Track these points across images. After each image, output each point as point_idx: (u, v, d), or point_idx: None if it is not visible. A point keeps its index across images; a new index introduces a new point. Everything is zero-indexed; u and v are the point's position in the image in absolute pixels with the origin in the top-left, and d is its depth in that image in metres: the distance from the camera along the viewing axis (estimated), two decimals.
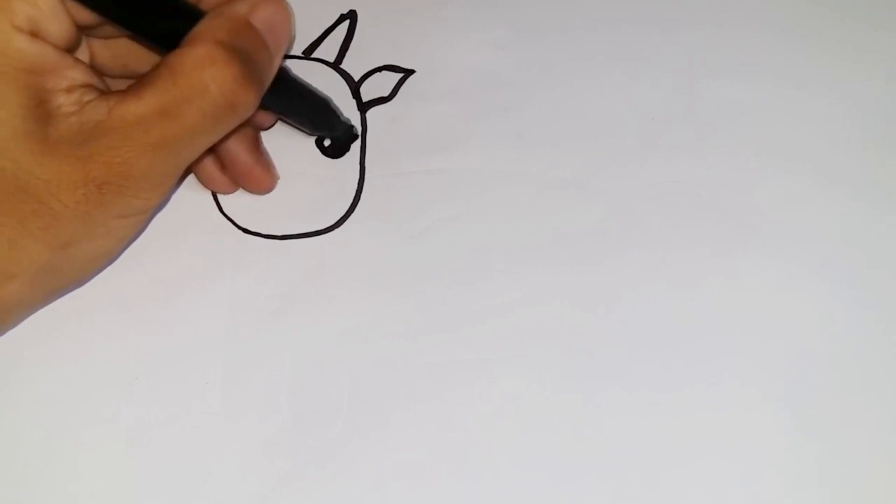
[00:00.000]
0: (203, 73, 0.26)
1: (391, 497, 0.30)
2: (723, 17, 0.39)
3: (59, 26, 0.27)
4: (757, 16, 0.39)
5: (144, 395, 0.31)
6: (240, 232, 0.34)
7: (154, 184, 0.28)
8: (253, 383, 0.32)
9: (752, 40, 0.38)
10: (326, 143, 0.36)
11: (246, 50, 0.27)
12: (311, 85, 0.34)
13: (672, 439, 0.31)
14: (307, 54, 0.38)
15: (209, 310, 0.33)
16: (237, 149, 0.33)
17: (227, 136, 0.30)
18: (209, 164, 0.34)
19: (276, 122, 0.36)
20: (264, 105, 0.31)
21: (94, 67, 0.31)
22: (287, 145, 0.36)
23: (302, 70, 0.37)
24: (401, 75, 0.37)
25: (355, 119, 0.36)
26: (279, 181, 0.35)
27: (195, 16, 0.28)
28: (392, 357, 0.32)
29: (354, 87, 0.37)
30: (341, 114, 0.36)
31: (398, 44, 0.38)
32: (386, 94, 0.37)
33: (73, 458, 0.30)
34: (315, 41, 0.38)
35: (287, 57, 0.38)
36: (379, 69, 0.37)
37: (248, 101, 0.28)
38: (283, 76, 0.31)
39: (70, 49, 0.28)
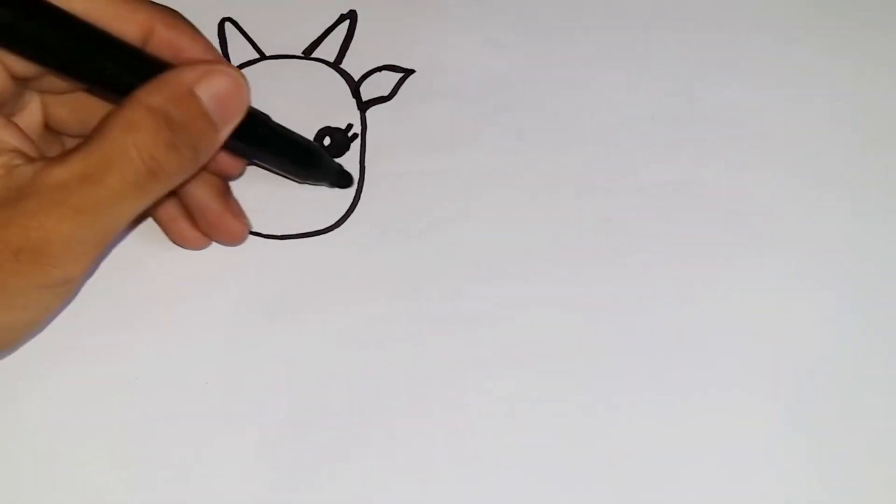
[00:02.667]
0: (126, 139, 0.26)
1: (391, 497, 0.30)
2: (723, 18, 0.39)
3: None
4: (757, 17, 0.39)
5: (144, 395, 0.31)
6: None
7: (75, 253, 0.27)
8: (253, 383, 0.31)
9: (752, 41, 0.38)
10: (326, 142, 0.36)
11: (181, 120, 0.26)
12: (296, 134, 0.33)
13: (673, 441, 0.31)
14: (307, 54, 0.38)
15: (209, 310, 0.33)
16: (205, 197, 0.32)
17: (188, 184, 0.29)
18: (179, 221, 0.33)
19: (245, 171, 0.34)
20: (239, 154, 0.31)
21: (50, 127, 0.30)
22: None
23: (302, 70, 0.37)
24: (401, 75, 0.37)
25: (355, 119, 0.36)
26: (278, 180, 0.35)
27: (149, 64, 0.27)
28: (392, 357, 0.32)
29: (354, 86, 0.37)
30: (332, 161, 0.35)
31: (398, 44, 0.38)
32: (386, 93, 0.37)
33: (73, 458, 0.30)
34: (315, 41, 0.38)
35: (287, 57, 0.38)
36: (379, 69, 0.37)
37: (171, 170, 0.27)
38: (260, 127, 0.31)
39: (6, 104, 0.28)
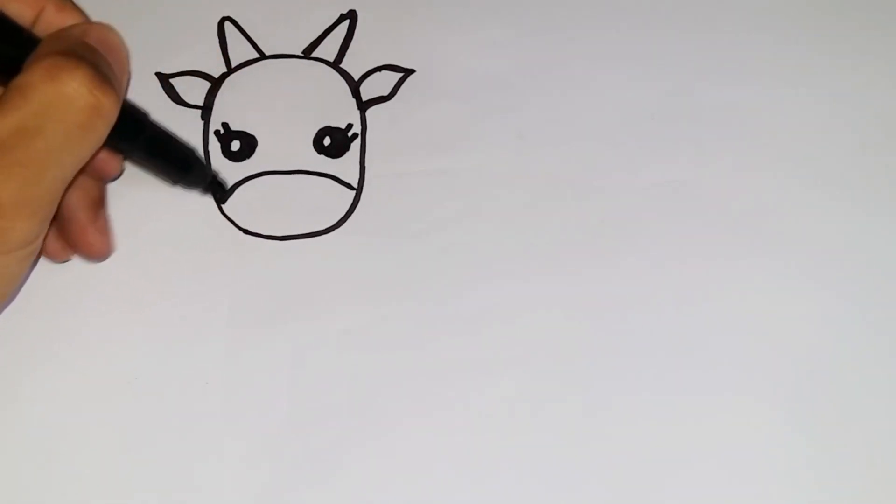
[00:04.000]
0: (55, 82, 0.25)
1: (391, 497, 0.30)
2: (722, 19, 0.39)
3: None
4: (757, 17, 0.39)
5: (144, 395, 0.31)
6: (240, 232, 0.34)
7: (30, 211, 0.26)
8: (253, 383, 0.31)
9: (751, 42, 0.38)
10: (326, 142, 0.36)
11: (91, 59, 0.26)
12: (174, 135, 0.32)
13: (673, 441, 0.31)
14: (307, 54, 0.38)
15: (209, 310, 0.33)
16: (75, 204, 0.31)
17: (70, 184, 0.28)
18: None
19: (122, 173, 0.34)
20: (115, 148, 0.30)
21: None
22: (286, 145, 0.36)
23: (302, 70, 0.37)
24: (401, 75, 0.37)
25: (355, 119, 0.36)
26: (277, 181, 0.35)
27: (32, 42, 0.27)
28: (392, 357, 0.32)
29: (354, 86, 0.37)
30: (206, 167, 0.34)
31: (398, 44, 0.38)
32: (386, 93, 0.37)
33: (73, 457, 0.30)
34: (315, 41, 0.38)
35: (287, 57, 0.38)
36: (379, 69, 0.37)
37: (110, 102, 0.26)
38: (138, 119, 0.30)
39: None
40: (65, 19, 0.29)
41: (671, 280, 0.33)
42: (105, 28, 0.28)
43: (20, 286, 0.31)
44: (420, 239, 0.34)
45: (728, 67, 0.38)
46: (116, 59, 0.28)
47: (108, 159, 0.32)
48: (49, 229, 0.30)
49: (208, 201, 0.35)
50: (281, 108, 0.36)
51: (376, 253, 0.34)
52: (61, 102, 0.25)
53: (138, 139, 0.31)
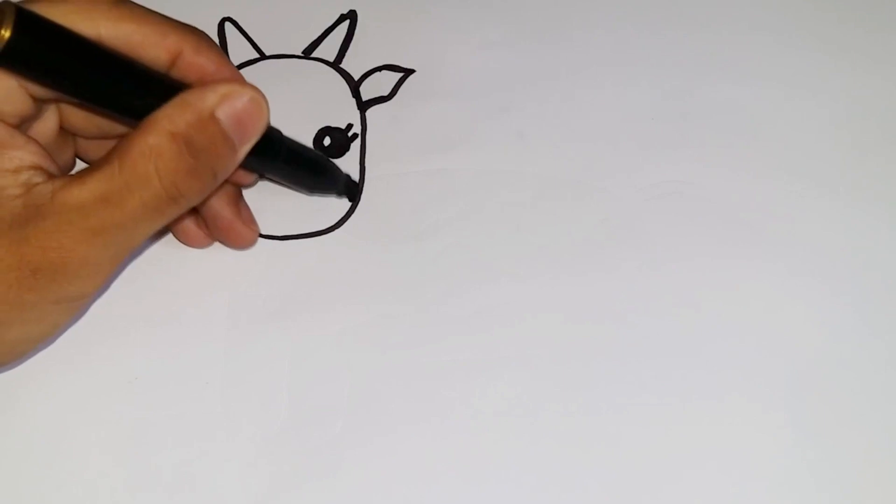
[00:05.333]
0: (148, 164, 0.26)
1: (391, 497, 0.30)
2: (722, 19, 0.39)
3: (13, 105, 0.27)
4: (756, 18, 0.39)
5: (144, 395, 0.31)
6: None
7: (91, 271, 0.27)
8: (253, 383, 0.32)
9: (751, 42, 0.38)
10: (326, 142, 0.36)
11: (202, 144, 0.27)
12: (306, 147, 0.33)
13: (674, 442, 0.31)
14: (307, 54, 0.38)
15: (209, 310, 0.33)
16: (217, 205, 0.32)
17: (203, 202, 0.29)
18: (184, 219, 0.33)
19: (258, 181, 0.34)
20: (251, 169, 0.31)
21: (65, 129, 0.30)
22: None
23: (302, 70, 0.37)
24: (401, 75, 0.37)
25: (355, 119, 0.36)
26: (278, 181, 0.35)
27: (167, 88, 0.27)
28: (392, 357, 0.32)
29: (354, 86, 0.37)
30: (340, 172, 0.34)
31: (398, 44, 0.38)
32: (386, 93, 0.37)
33: (74, 457, 0.30)
34: (315, 41, 0.38)
35: (287, 57, 0.38)
36: (379, 69, 0.37)
37: (191, 195, 0.27)
38: (274, 143, 0.31)
39: (25, 124, 0.28)
40: (203, 61, 0.29)
41: (671, 280, 0.33)
42: (246, 98, 0.28)
43: (61, 334, 0.32)
44: (420, 239, 0.34)
45: (728, 67, 0.38)
46: (244, 133, 0.28)
47: (243, 174, 0.32)
48: (189, 223, 0.33)
49: None
50: (281, 108, 0.36)
51: (376, 253, 0.34)
52: (147, 186, 0.26)
53: (275, 161, 0.31)
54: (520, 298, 0.33)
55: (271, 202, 0.35)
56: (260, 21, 0.38)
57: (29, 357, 0.31)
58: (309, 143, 0.36)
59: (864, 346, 0.32)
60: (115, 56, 0.26)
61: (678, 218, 0.35)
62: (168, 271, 0.33)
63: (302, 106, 0.36)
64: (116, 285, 0.33)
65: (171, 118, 0.26)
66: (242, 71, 0.37)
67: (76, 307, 0.29)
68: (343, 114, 0.36)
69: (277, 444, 0.31)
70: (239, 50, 0.38)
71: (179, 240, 0.33)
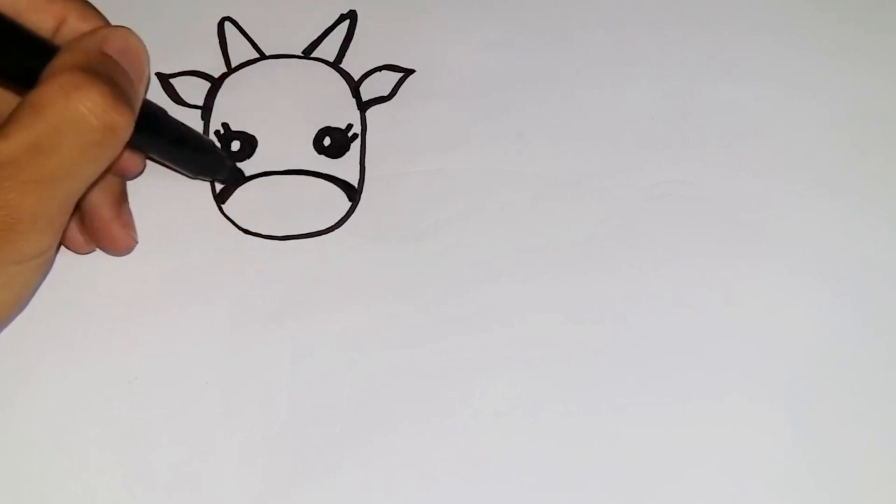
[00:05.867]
0: (70, 101, 0.25)
1: (391, 497, 0.30)
2: (722, 19, 0.39)
3: None
4: (756, 18, 0.39)
5: (144, 395, 0.31)
6: (240, 232, 0.34)
7: (44, 223, 0.27)
8: (253, 383, 0.31)
9: (751, 42, 0.38)
10: (326, 142, 0.36)
11: (107, 74, 0.26)
12: (191, 128, 0.33)
13: (674, 443, 0.31)
14: (307, 54, 0.38)
15: (209, 310, 0.33)
16: (99, 200, 0.31)
17: (94, 183, 0.29)
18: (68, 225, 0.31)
19: (144, 170, 0.34)
20: (136, 146, 0.30)
21: None
22: (286, 145, 0.36)
23: (302, 70, 0.37)
24: (401, 75, 0.37)
25: (355, 119, 0.36)
26: (277, 181, 0.35)
27: (49, 52, 0.27)
28: (392, 357, 0.32)
29: (354, 86, 0.37)
30: (225, 157, 0.35)
31: (398, 44, 0.38)
32: (386, 93, 0.37)
33: (73, 457, 0.30)
34: (315, 41, 0.38)
35: (287, 57, 0.38)
36: (379, 69, 0.37)
37: (125, 121, 0.26)
38: (159, 116, 0.31)
39: None
40: (87, 28, 0.29)
41: (671, 280, 0.33)
42: (125, 34, 0.28)
43: (33, 293, 0.32)
44: (420, 239, 0.34)
45: (728, 67, 0.38)
46: (136, 66, 0.28)
47: (130, 158, 0.32)
48: (71, 224, 0.31)
49: (208, 201, 0.35)
50: (281, 108, 0.36)
51: (376, 253, 0.34)
52: (75, 121, 0.25)
53: (160, 137, 0.31)
54: (520, 298, 0.33)
55: (271, 202, 0.35)
56: (260, 21, 0.38)
57: (4, 325, 0.31)
58: (309, 144, 0.36)
59: (864, 346, 0.32)
60: (3, 18, 0.26)
61: (678, 218, 0.35)
62: (168, 271, 0.33)
63: (302, 106, 0.36)
64: (117, 285, 0.33)
65: (68, 60, 0.26)
66: (242, 71, 0.37)
67: (40, 264, 0.28)
68: (343, 114, 0.36)
69: (277, 444, 0.31)
70: (239, 50, 0.38)
71: (63, 244, 0.33)
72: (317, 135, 0.36)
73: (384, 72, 0.37)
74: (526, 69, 0.38)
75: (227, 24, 0.38)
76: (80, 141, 0.26)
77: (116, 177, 0.32)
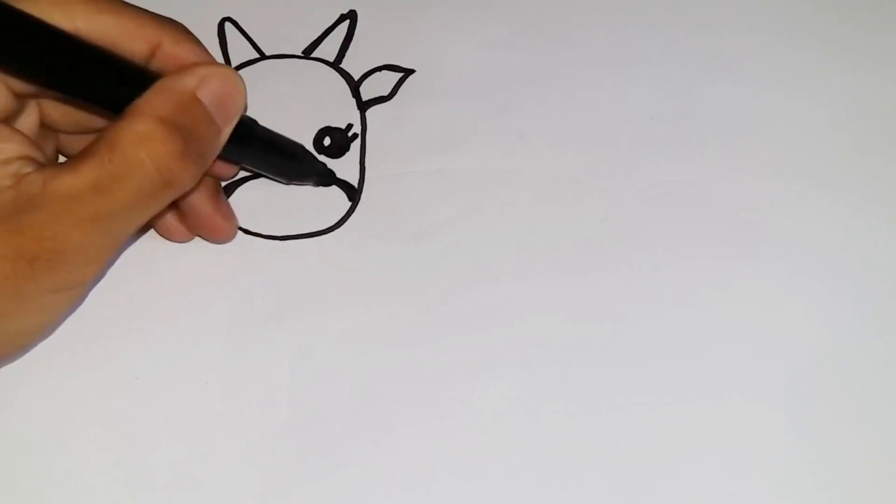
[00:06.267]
0: (139, 151, 0.26)
1: (391, 497, 0.30)
2: (722, 19, 0.39)
3: None
4: (756, 18, 0.39)
5: (144, 395, 0.31)
6: (240, 232, 0.34)
7: (87, 259, 0.27)
8: (253, 383, 0.31)
9: (751, 42, 0.38)
10: (326, 142, 0.36)
11: (189, 126, 0.27)
12: (281, 135, 0.33)
13: (674, 443, 0.31)
14: (307, 54, 0.38)
15: (209, 310, 0.33)
16: (196, 198, 0.32)
17: (186, 194, 0.29)
18: (165, 214, 0.32)
19: (238, 171, 0.34)
20: (229, 159, 0.31)
21: (45, 125, 0.30)
22: None
23: (302, 70, 0.37)
24: (401, 75, 0.37)
25: (355, 119, 0.36)
26: (280, 182, 0.35)
27: (145, 79, 0.27)
28: (392, 357, 0.32)
29: (354, 86, 0.37)
30: (316, 160, 0.35)
31: (398, 44, 0.38)
32: (386, 93, 0.37)
33: (73, 457, 0.30)
34: (315, 41, 0.38)
35: (287, 57, 0.38)
36: (379, 69, 0.37)
37: (185, 178, 0.27)
38: (249, 131, 0.31)
39: (9, 118, 0.28)
40: (182, 52, 0.29)
41: (671, 280, 0.33)
42: (224, 77, 0.28)
43: (63, 321, 0.32)
44: (420, 239, 0.34)
45: (728, 67, 0.38)
46: (227, 112, 0.28)
47: (223, 165, 0.32)
48: (171, 218, 0.32)
49: None
50: (281, 108, 0.36)
51: (376, 253, 0.34)
52: (140, 172, 0.26)
53: (251, 148, 0.32)
54: (520, 298, 0.33)
55: (271, 202, 0.35)
56: (260, 21, 0.38)
57: (30, 349, 0.31)
58: (309, 144, 0.36)
59: (864, 346, 0.32)
60: (92, 48, 0.26)
61: (678, 218, 0.35)
62: (168, 271, 0.33)
63: (302, 106, 0.36)
64: (117, 285, 0.33)
65: (154, 104, 0.26)
66: (242, 71, 0.37)
67: (74, 295, 0.29)
68: (343, 114, 0.36)
69: (277, 444, 0.31)
70: (239, 50, 0.38)
71: (161, 234, 0.33)
72: (317, 135, 0.36)
73: (384, 72, 0.37)
74: (526, 69, 0.38)
75: (227, 24, 0.38)
76: (138, 188, 0.26)
77: (211, 177, 0.33)
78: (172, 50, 0.29)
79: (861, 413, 0.31)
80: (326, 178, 0.35)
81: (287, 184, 0.35)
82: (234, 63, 0.37)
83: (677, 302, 0.33)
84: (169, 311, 0.33)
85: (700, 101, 0.37)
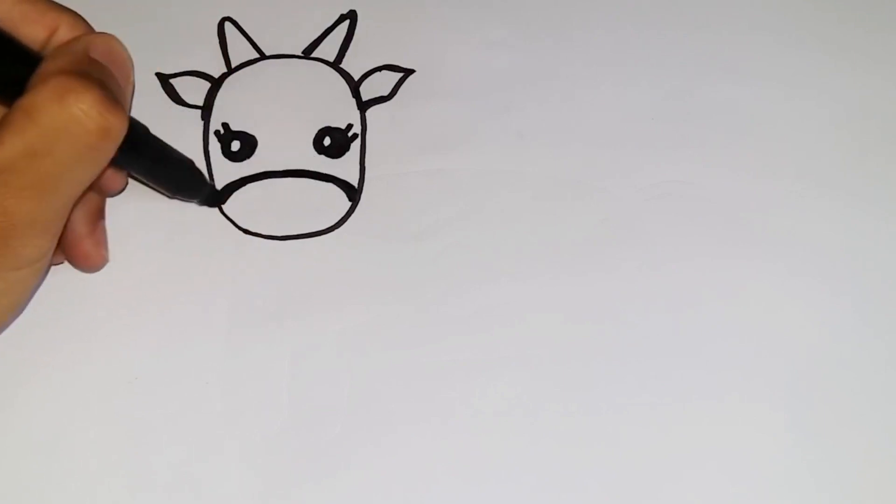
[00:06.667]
0: (63, 104, 0.25)
1: (391, 497, 0.30)
2: (722, 19, 0.39)
3: None
4: (756, 18, 0.39)
5: (144, 395, 0.31)
6: (240, 232, 0.34)
7: (41, 228, 0.27)
8: (253, 383, 0.32)
9: (751, 42, 0.38)
10: (326, 142, 0.36)
11: (98, 77, 0.26)
12: (172, 148, 0.32)
13: (674, 443, 0.31)
14: (307, 54, 0.38)
15: (209, 310, 0.33)
16: (74, 216, 0.31)
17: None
18: None
19: (125, 188, 0.34)
20: (118, 164, 0.30)
21: None
22: (286, 145, 0.36)
23: (302, 70, 0.37)
24: (401, 75, 0.37)
25: (355, 119, 0.36)
26: (277, 181, 0.35)
27: (36, 61, 0.26)
28: (392, 357, 0.32)
29: (354, 86, 0.37)
30: (205, 179, 0.34)
31: (398, 44, 0.38)
32: (386, 93, 0.37)
33: (73, 457, 0.30)
34: (315, 41, 0.38)
35: (287, 57, 0.38)
36: (379, 69, 0.37)
37: (120, 122, 0.26)
38: (140, 134, 0.30)
39: None
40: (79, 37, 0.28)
41: (671, 280, 0.33)
42: (109, 39, 0.28)
43: (31, 298, 0.32)
44: (420, 239, 0.34)
45: (728, 67, 0.38)
46: (122, 72, 0.28)
47: (113, 175, 0.32)
48: None
49: None
50: (281, 108, 0.36)
51: (376, 253, 0.34)
52: (70, 124, 0.25)
53: (142, 154, 0.31)
54: (520, 298, 0.33)
55: (271, 202, 0.35)
56: (260, 21, 0.38)
57: (5, 328, 0.31)
58: (309, 144, 0.36)
59: (864, 346, 0.32)
60: None
61: (678, 218, 0.35)
62: (168, 271, 0.33)
63: (302, 106, 0.36)
64: (117, 285, 0.33)
65: (57, 65, 0.26)
66: (242, 71, 0.37)
67: (38, 269, 0.28)
68: (343, 114, 0.36)
69: (277, 445, 0.31)
70: (239, 50, 0.38)
71: None
72: (317, 135, 0.36)
73: (384, 72, 0.37)
74: (526, 69, 0.38)
75: (227, 24, 0.38)
76: (76, 144, 0.25)
77: (96, 193, 0.32)
78: (68, 35, 0.28)
79: (861, 413, 0.31)
80: (212, 199, 0.34)
81: (171, 198, 0.34)
82: (234, 63, 0.37)
83: (677, 302, 0.33)
84: (169, 311, 0.33)
85: (700, 101, 0.37)
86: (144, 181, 0.33)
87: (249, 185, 0.35)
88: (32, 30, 0.28)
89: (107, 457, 0.30)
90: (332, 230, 0.34)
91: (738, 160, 0.36)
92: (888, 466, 0.31)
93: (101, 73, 0.27)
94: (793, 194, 0.35)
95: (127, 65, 0.28)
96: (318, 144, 0.36)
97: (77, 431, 0.31)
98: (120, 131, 0.26)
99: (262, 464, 0.30)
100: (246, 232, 0.34)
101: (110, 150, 0.27)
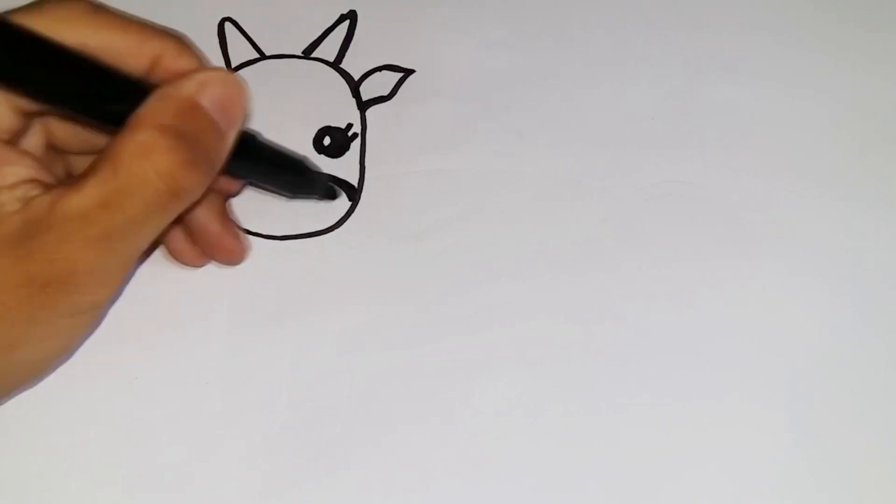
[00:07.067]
0: (143, 163, 0.25)
1: (391, 497, 0.30)
2: (722, 19, 0.39)
3: (1, 119, 0.26)
4: (756, 18, 0.39)
5: (144, 395, 0.31)
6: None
7: (101, 279, 0.27)
8: (253, 383, 0.32)
9: (751, 42, 0.38)
10: (326, 142, 0.36)
11: (192, 133, 0.26)
12: (285, 149, 0.32)
13: (674, 443, 0.31)
14: (307, 54, 0.38)
15: (209, 310, 0.33)
16: (205, 218, 0.31)
17: (192, 206, 0.29)
18: (177, 237, 0.32)
19: (245, 188, 0.34)
20: (233, 174, 0.30)
21: (53, 145, 0.29)
22: (286, 145, 0.35)
23: (302, 70, 0.37)
24: (401, 75, 0.37)
25: (355, 119, 0.36)
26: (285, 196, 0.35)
27: (142, 91, 0.26)
28: (392, 357, 0.32)
29: (354, 86, 0.37)
30: (321, 174, 0.34)
31: (398, 44, 0.38)
32: (386, 93, 0.37)
33: (73, 457, 0.30)
34: (315, 41, 0.38)
35: (287, 57, 0.38)
36: (379, 69, 0.37)
37: (192, 187, 0.27)
38: (252, 144, 0.30)
39: (14, 138, 0.27)
40: (183, 64, 0.28)
41: (671, 280, 0.33)
42: (223, 80, 0.27)
43: (80, 346, 0.32)
44: (420, 239, 0.34)
45: (728, 67, 0.38)
46: (229, 117, 0.27)
47: (228, 181, 0.32)
48: (182, 241, 0.32)
49: None
50: (281, 108, 0.36)
51: (376, 253, 0.34)
52: (146, 185, 0.25)
53: (254, 162, 0.31)
54: (520, 298, 0.33)
55: (271, 202, 0.35)
56: (260, 21, 0.38)
57: (46, 376, 0.31)
58: (309, 143, 0.36)
59: (864, 346, 0.32)
60: (96, 63, 0.26)
61: (678, 218, 0.35)
62: (168, 271, 0.33)
63: (302, 106, 0.36)
64: None
65: (154, 113, 0.26)
66: (242, 71, 0.37)
67: (90, 318, 0.28)
68: (343, 114, 0.36)
69: (277, 445, 0.31)
70: (239, 50, 0.38)
71: (173, 257, 0.33)
72: (317, 135, 0.36)
73: (384, 72, 0.37)
74: (526, 69, 0.38)
75: (227, 24, 0.38)
76: (146, 202, 0.26)
77: (218, 195, 0.32)
78: (173, 62, 0.28)
79: (861, 413, 0.31)
80: (330, 192, 0.35)
81: (291, 198, 0.34)
82: (234, 63, 0.37)
83: (677, 302, 0.33)
84: (169, 311, 0.33)
85: (700, 101, 0.37)
86: (263, 186, 0.34)
87: (249, 186, 0.35)
88: (135, 59, 0.27)
89: (107, 457, 0.30)
90: (332, 230, 0.34)
91: (738, 160, 0.36)
92: (888, 466, 0.31)
93: (199, 127, 0.26)
94: (793, 194, 0.35)
95: (238, 109, 0.28)
96: (318, 144, 0.36)
97: (77, 431, 0.31)
98: (192, 194, 0.27)
99: (262, 464, 0.30)
100: (246, 232, 0.34)
101: (180, 208, 0.27)
